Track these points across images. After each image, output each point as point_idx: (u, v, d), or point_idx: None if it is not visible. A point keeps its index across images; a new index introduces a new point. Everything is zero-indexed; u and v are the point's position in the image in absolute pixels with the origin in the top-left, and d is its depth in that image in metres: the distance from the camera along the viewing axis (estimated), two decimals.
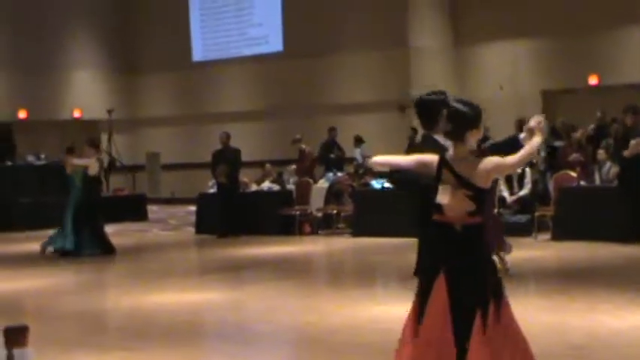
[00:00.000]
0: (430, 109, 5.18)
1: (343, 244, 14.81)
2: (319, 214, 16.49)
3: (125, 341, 7.77)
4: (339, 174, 17.74)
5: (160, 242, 16.54)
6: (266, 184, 17.45)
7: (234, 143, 16.89)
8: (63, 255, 13.74)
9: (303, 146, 19.16)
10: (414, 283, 10.56)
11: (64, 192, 19.72)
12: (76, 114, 26.09)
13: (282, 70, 24.32)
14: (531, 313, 7.78)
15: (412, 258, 12.42)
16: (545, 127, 4.74)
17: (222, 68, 25.72)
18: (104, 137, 24.96)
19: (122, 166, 24.59)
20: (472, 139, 4.74)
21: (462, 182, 4.69)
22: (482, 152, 4.78)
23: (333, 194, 16.62)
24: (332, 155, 20.14)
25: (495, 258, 10.39)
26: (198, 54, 26.43)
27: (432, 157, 4.82)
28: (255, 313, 9.05)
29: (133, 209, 20.84)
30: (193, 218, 17.72)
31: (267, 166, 18.54)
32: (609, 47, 20.81)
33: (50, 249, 14.10)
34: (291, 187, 17.08)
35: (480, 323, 4.62)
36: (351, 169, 19.54)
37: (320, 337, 7.60)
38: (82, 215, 13.83)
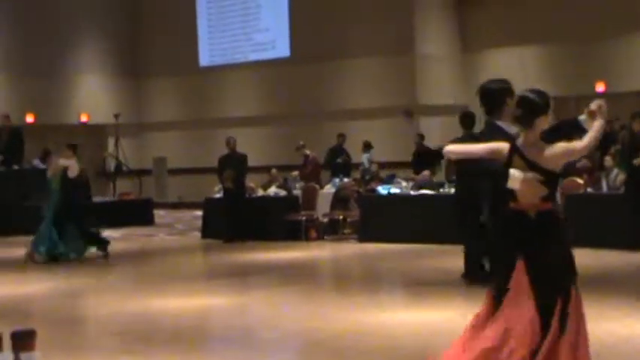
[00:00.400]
0: (494, 96, 5.28)
1: (349, 249, 14.80)
2: (325, 220, 16.48)
3: (130, 345, 7.76)
4: (346, 179, 17.72)
5: (166, 247, 16.54)
6: (272, 190, 17.44)
7: (240, 148, 16.89)
8: (53, 259, 13.69)
9: (308, 152, 19.17)
10: (420, 290, 10.56)
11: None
12: (83, 118, 26.13)
13: (288, 76, 24.33)
14: None
15: (418, 264, 12.45)
16: (605, 111, 4.81)
17: (228, 73, 25.74)
18: (111, 141, 25.04)
19: (129, 171, 24.62)
20: (541, 126, 4.81)
21: (533, 167, 4.75)
22: (546, 132, 4.84)
23: (340, 200, 16.60)
24: (339, 160, 20.14)
25: None
26: (205, 59, 26.46)
27: (503, 144, 4.91)
28: (261, 319, 9.04)
29: (140, 214, 20.83)
30: (200, 223, 17.72)
31: (274, 171, 18.54)
32: (616, 54, 20.78)
33: (39, 258, 13.80)
34: (297, 192, 17.07)
35: (560, 313, 4.68)
36: (357, 174, 19.53)
37: (325, 342, 7.59)
38: (62, 218, 13.76)
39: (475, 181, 10.45)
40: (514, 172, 4.75)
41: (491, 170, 4.95)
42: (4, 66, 24.58)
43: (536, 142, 4.80)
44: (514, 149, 4.82)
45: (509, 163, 4.81)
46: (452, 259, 11.53)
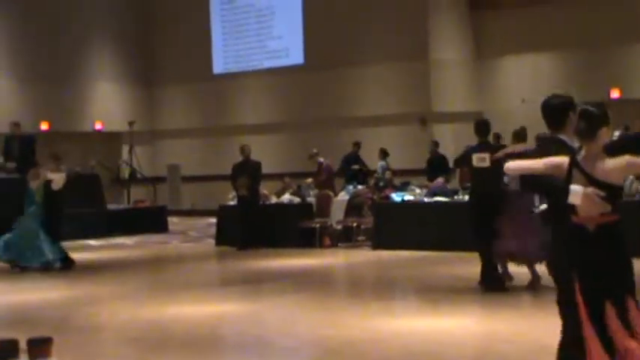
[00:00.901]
0: (557, 110, 5.35)
1: (363, 257, 14.78)
2: (339, 227, 16.47)
3: (144, 353, 7.78)
4: (360, 187, 17.71)
5: (180, 254, 16.57)
6: (286, 197, 17.45)
7: (254, 156, 16.91)
8: (65, 268, 13.75)
9: (321, 159, 19.16)
10: (434, 297, 10.55)
11: (84, 204, 19.84)
12: (98, 126, 26.23)
13: (302, 83, 24.36)
14: (553, 328, 7.71)
15: (432, 271, 12.43)
16: None
17: (242, 80, 25.79)
18: (125, 149, 25.12)
19: (143, 178, 24.68)
20: (604, 138, 4.86)
21: (593, 182, 4.77)
22: (608, 145, 4.90)
23: (353, 207, 16.59)
24: (355, 166, 20.13)
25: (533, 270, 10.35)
26: (219, 66, 26.52)
27: (562, 159, 4.95)
28: (275, 326, 9.05)
29: (154, 221, 20.87)
30: (213, 230, 17.74)
31: (287, 178, 18.56)
32: (631, 60, 20.72)
33: (57, 264, 13.81)
34: (311, 199, 17.07)
35: (614, 314, 4.69)
36: (371, 181, 19.51)
37: (340, 349, 7.58)
38: (48, 228, 13.71)
39: (490, 188, 10.48)
40: (574, 188, 4.78)
41: (552, 186, 4.99)
42: (18, 74, 24.69)
43: (599, 154, 4.84)
44: (573, 164, 4.86)
45: (569, 179, 4.84)
46: (466, 266, 11.51)
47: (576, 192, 4.75)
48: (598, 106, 4.93)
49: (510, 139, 11.11)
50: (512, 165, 5.23)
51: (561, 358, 5.10)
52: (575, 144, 5.04)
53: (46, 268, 13.65)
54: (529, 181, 5.34)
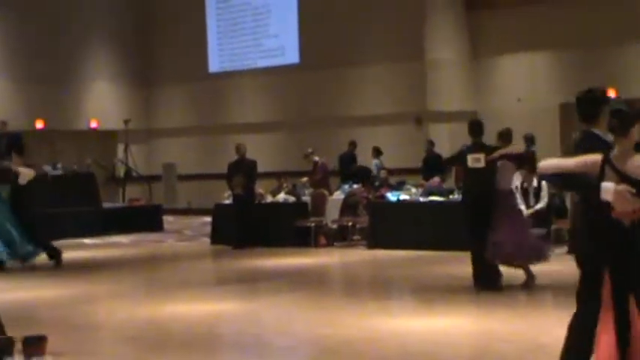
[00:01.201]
0: (591, 104, 5.38)
1: (358, 256, 14.79)
2: (334, 226, 16.46)
3: (141, 352, 7.78)
4: (355, 186, 17.71)
5: (176, 253, 16.55)
6: (282, 196, 17.45)
7: (249, 154, 16.91)
8: (57, 263, 13.77)
9: (317, 158, 19.16)
10: (430, 296, 10.55)
11: (79, 202, 19.81)
12: (93, 124, 26.18)
13: (298, 82, 24.34)
14: (548, 327, 7.74)
15: (428, 270, 12.44)
16: None
17: (238, 79, 25.77)
18: (121, 147, 25.09)
19: (138, 177, 24.66)
20: (636, 134, 4.91)
21: (625, 179, 4.81)
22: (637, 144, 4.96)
23: (349, 206, 16.59)
24: (355, 164, 20.14)
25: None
26: (214, 65, 26.50)
27: (594, 157, 4.98)
28: (271, 325, 9.05)
29: (149, 219, 20.84)
30: (209, 229, 17.73)
31: (282, 177, 18.56)
32: (627, 61, 20.73)
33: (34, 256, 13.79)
34: (306, 198, 17.07)
35: (636, 309, 4.73)
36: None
37: (337, 349, 7.59)
38: (15, 223, 13.59)
39: (485, 188, 10.49)
40: (606, 185, 4.82)
41: (585, 183, 5.01)
42: (15, 72, 24.64)
43: (630, 151, 4.89)
44: (606, 161, 4.89)
45: (601, 176, 4.87)
46: (462, 265, 11.52)
47: (608, 189, 4.80)
48: (627, 105, 5.01)
49: (495, 139, 10.99)
50: (545, 164, 5.24)
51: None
52: (610, 137, 5.08)
53: (33, 268, 13.62)
54: (561, 179, 5.34)
